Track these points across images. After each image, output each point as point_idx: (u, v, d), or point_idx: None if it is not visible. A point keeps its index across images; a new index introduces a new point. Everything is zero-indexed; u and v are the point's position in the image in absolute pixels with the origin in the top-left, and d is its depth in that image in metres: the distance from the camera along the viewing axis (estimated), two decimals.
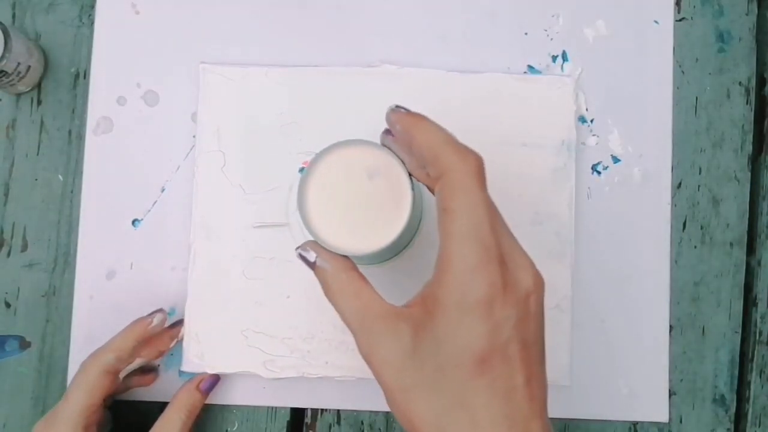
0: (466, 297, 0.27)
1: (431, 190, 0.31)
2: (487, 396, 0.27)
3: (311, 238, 0.33)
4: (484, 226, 0.28)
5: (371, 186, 0.33)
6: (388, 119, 0.32)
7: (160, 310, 0.43)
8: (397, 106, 0.31)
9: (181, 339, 0.44)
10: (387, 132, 0.33)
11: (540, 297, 0.29)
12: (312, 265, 0.32)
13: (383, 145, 0.34)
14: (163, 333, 0.43)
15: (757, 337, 0.47)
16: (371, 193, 0.33)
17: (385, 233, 0.33)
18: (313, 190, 0.33)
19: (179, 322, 0.44)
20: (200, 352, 0.44)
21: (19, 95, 0.47)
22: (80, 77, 0.47)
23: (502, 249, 0.28)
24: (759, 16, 0.48)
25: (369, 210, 0.33)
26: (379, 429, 0.46)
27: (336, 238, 0.33)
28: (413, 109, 0.45)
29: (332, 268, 0.31)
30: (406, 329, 0.28)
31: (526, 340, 0.28)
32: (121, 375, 0.41)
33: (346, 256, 0.32)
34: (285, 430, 0.46)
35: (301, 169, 0.44)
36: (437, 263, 0.29)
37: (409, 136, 0.30)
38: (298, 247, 0.33)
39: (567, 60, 0.47)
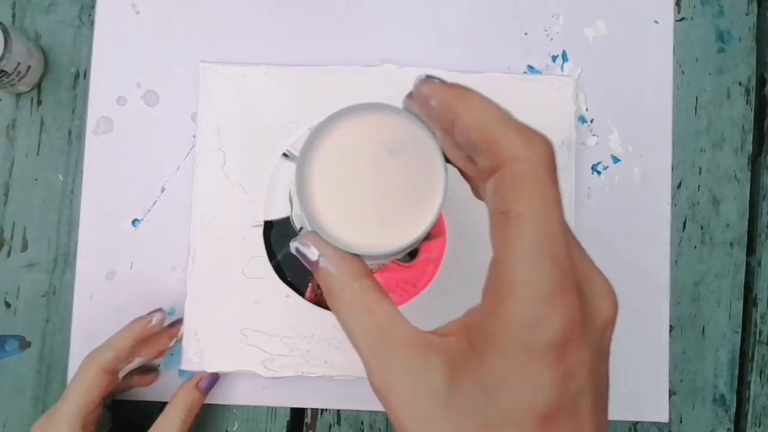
0: (535, 337, 0.21)
1: (474, 186, 0.25)
2: None
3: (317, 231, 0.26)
4: (559, 239, 0.21)
5: (393, 165, 0.26)
6: (418, 91, 0.25)
7: (159, 310, 0.43)
8: (429, 76, 0.24)
9: (181, 338, 0.44)
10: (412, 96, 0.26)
11: (613, 330, 0.23)
12: (314, 265, 0.25)
13: (408, 111, 0.27)
14: (162, 332, 0.43)
15: (757, 337, 0.47)
16: (393, 174, 0.26)
17: (410, 227, 0.26)
18: (319, 168, 0.26)
19: (178, 322, 0.44)
20: (199, 351, 0.44)
21: (19, 95, 0.47)
22: (80, 77, 0.47)
23: (577, 271, 0.22)
24: (759, 16, 0.48)
25: (390, 196, 0.26)
26: (379, 429, 0.46)
27: (346, 232, 0.26)
28: None
29: (339, 272, 0.25)
30: (438, 366, 0.22)
31: (599, 388, 0.22)
32: (121, 375, 0.41)
33: (357, 256, 0.26)
34: (285, 430, 0.46)
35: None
36: (491, 285, 0.22)
37: (451, 114, 0.23)
38: (295, 239, 0.26)
39: (567, 60, 0.47)
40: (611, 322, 0.23)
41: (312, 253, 0.25)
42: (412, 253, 0.44)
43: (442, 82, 0.24)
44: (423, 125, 0.26)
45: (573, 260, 0.22)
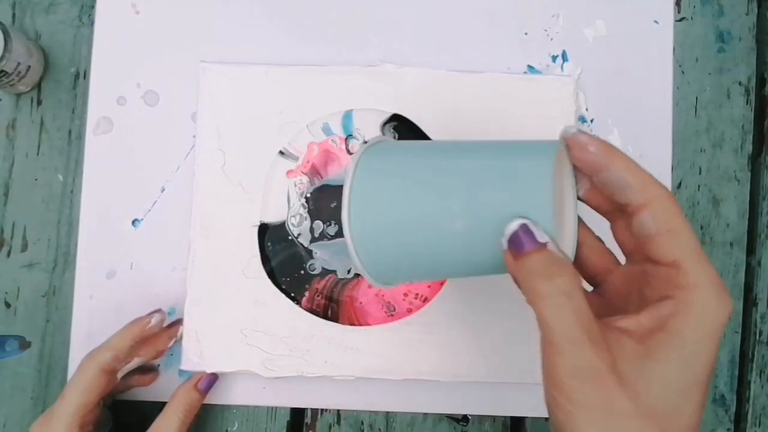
0: (717, 319, 0.26)
1: (605, 215, 0.31)
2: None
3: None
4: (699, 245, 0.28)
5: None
6: (576, 139, 0.29)
7: (158, 311, 0.43)
8: (580, 131, 0.30)
9: (180, 338, 0.44)
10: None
11: None
12: (532, 245, 0.27)
13: None
14: (161, 332, 0.43)
15: (757, 337, 0.47)
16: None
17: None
18: None
19: (178, 322, 0.44)
20: (199, 351, 0.44)
21: (19, 95, 0.47)
22: (80, 77, 0.47)
23: None
24: (759, 16, 0.48)
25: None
26: (379, 429, 0.46)
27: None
28: (414, 108, 0.45)
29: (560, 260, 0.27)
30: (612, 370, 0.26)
31: None
32: (120, 374, 0.41)
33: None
34: (285, 430, 0.46)
35: None
36: (670, 288, 0.27)
37: (606, 160, 0.28)
38: (521, 217, 0.27)
39: (567, 60, 0.47)
40: None
41: (541, 235, 0.27)
42: None
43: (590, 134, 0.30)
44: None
45: None
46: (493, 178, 0.29)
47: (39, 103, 0.47)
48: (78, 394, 0.39)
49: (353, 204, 0.30)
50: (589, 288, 0.32)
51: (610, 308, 0.30)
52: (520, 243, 0.27)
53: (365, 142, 0.32)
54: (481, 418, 0.46)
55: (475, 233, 0.29)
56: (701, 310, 0.26)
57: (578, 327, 0.25)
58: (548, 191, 0.27)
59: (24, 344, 0.46)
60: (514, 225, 0.27)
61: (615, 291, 0.31)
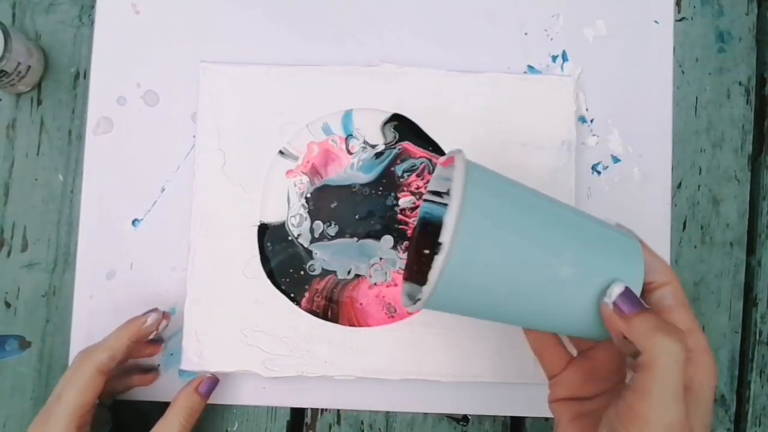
0: (713, 373, 0.32)
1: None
2: None
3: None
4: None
5: None
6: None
7: (154, 310, 0.42)
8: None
9: (168, 323, 0.43)
10: None
11: None
12: (638, 307, 0.31)
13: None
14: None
15: (757, 337, 0.47)
16: None
17: None
18: None
19: (165, 315, 0.43)
20: (199, 351, 0.44)
21: (19, 95, 0.47)
22: (80, 77, 0.47)
23: None
24: (759, 16, 0.48)
25: None
26: (379, 429, 0.46)
27: None
28: (414, 108, 0.45)
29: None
30: None
31: None
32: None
33: None
34: (285, 430, 0.46)
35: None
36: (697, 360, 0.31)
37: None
38: (621, 283, 0.31)
39: (567, 60, 0.47)
40: None
41: (642, 301, 0.31)
42: None
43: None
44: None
45: None
46: (600, 241, 0.32)
47: (39, 103, 0.47)
48: (75, 394, 0.39)
49: (462, 225, 0.29)
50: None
51: (594, 373, 0.35)
52: (620, 306, 0.30)
53: (469, 161, 0.32)
54: (481, 418, 0.46)
55: (577, 284, 0.30)
56: (707, 369, 0.31)
57: (682, 383, 0.28)
58: (643, 268, 0.32)
59: (24, 344, 0.46)
60: (619, 288, 0.31)
61: (605, 359, 0.36)
